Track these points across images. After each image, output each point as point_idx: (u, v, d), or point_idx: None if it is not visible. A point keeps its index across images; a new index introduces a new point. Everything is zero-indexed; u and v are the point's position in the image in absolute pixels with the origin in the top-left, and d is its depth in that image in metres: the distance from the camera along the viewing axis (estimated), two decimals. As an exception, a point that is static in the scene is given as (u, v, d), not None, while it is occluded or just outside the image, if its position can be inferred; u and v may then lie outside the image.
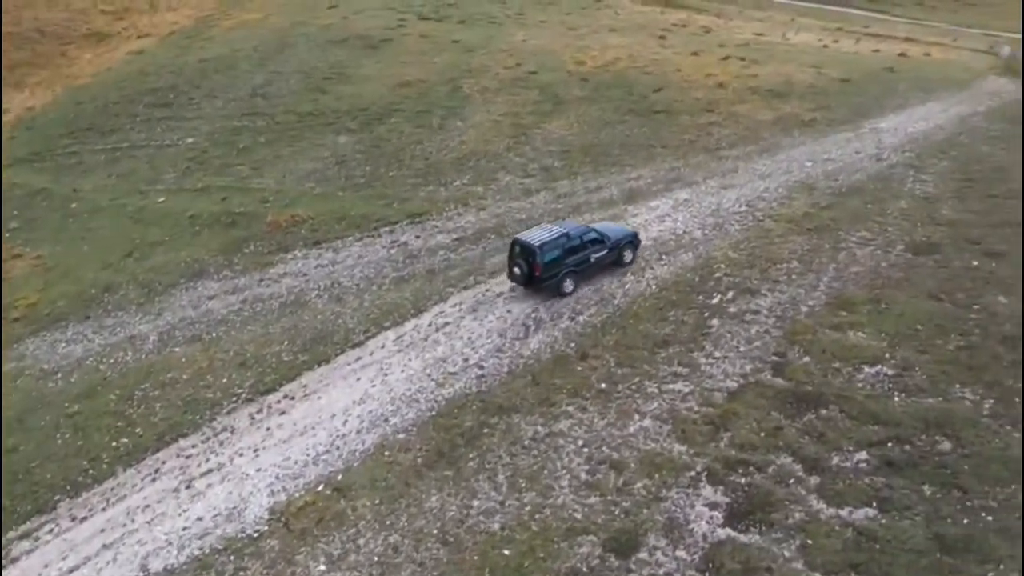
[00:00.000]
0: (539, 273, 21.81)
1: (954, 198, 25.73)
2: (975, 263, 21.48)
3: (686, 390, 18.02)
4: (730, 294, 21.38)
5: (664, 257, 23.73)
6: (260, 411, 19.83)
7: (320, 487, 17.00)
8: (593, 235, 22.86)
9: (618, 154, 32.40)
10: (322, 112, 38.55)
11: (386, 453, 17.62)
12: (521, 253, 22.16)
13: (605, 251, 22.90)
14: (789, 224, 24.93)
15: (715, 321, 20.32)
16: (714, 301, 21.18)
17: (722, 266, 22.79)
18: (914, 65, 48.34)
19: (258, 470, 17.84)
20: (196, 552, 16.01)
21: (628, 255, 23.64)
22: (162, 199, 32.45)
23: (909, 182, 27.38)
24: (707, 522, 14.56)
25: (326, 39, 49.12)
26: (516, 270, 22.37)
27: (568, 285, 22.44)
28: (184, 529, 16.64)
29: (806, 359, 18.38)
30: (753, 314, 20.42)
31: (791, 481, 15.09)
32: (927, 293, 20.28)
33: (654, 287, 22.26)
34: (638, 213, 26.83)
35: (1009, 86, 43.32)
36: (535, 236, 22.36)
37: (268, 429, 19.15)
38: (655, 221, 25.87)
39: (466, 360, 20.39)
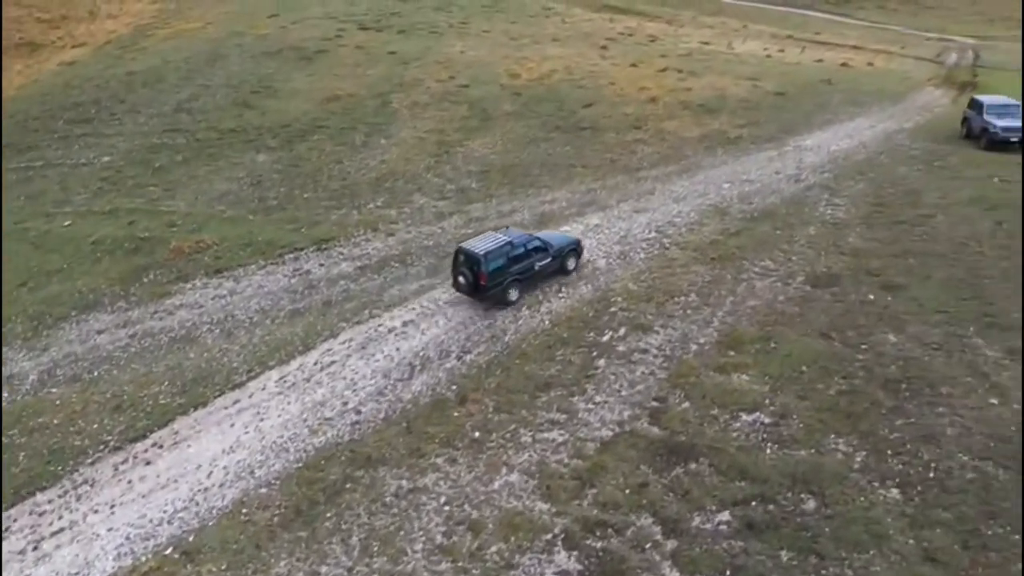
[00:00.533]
0: (484, 282, 21.54)
1: (863, 224, 25.10)
2: (871, 297, 20.81)
3: (560, 439, 17.19)
4: (622, 331, 20.59)
5: (563, 289, 22.90)
6: (125, 461, 18.75)
7: (169, 550, 15.98)
8: (537, 243, 22.80)
9: (537, 174, 31.58)
10: (244, 129, 37.40)
11: (244, 511, 16.63)
12: (466, 262, 21.86)
13: (549, 259, 22.91)
14: (695, 253, 24.18)
15: (602, 361, 19.51)
16: (605, 339, 20.37)
17: (620, 299, 21.99)
18: (854, 76, 47.97)
19: (110, 529, 16.78)
20: (28, 625, 15.03)
21: (571, 263, 23.57)
22: (68, 223, 31.16)
23: (821, 206, 26.75)
24: (555, 593, 13.77)
25: (260, 50, 47.98)
26: (461, 280, 22.07)
27: (513, 294, 22.32)
28: (21, 598, 15.66)
29: (686, 405, 17.61)
30: (641, 353, 19.64)
31: (647, 546, 14.28)
32: (818, 331, 19.58)
33: (547, 323, 21.42)
34: (546, 240, 25.99)
35: (943, 99, 43.03)
36: (479, 245, 21.97)
37: (130, 482, 18.08)
38: (560, 249, 25.04)
39: (345, 404, 19.44)
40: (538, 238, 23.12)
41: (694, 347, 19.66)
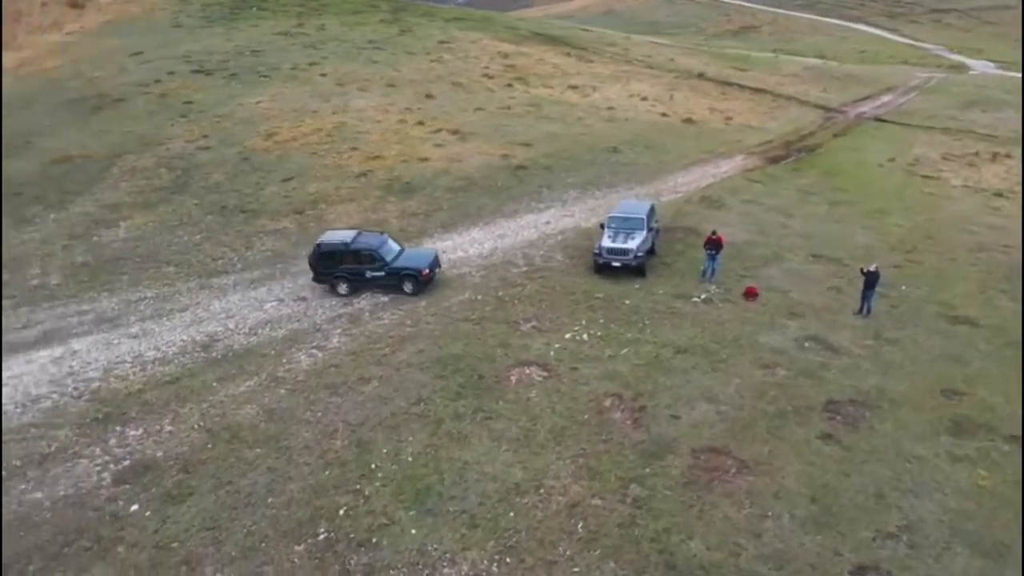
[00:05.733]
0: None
1: (303, 386, 19.58)
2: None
3: None
4: None
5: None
6: None
7: None
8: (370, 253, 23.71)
9: (131, 270, 27.48)
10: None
11: None
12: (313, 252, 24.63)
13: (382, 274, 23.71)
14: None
15: None
16: None
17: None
18: (666, 138, 41.01)
19: None
20: None
21: (408, 286, 23.52)
22: None
23: (310, 348, 21.66)
24: None
25: (68, 98, 46.36)
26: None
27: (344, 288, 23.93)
28: None
29: None
30: None
31: None
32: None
33: None
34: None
35: (726, 175, 35.74)
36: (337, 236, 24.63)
37: None
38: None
39: None
40: (370, 248, 23.73)
41: None
